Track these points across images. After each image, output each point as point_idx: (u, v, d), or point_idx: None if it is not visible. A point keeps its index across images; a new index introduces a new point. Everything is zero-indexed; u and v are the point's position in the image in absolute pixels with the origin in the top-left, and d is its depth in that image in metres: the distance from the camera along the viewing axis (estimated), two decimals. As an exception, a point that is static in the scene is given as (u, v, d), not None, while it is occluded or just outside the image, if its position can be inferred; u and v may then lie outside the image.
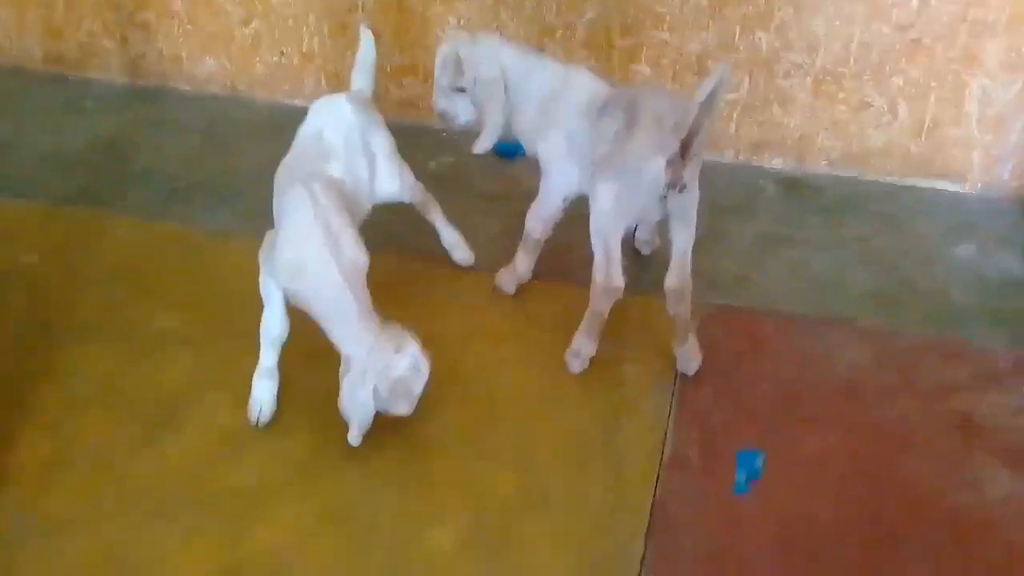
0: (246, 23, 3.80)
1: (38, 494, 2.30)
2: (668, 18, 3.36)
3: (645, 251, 3.05)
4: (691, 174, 2.34)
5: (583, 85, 2.60)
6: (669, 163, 2.28)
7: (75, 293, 2.90)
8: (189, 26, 3.88)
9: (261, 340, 2.45)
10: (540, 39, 3.51)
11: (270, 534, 2.22)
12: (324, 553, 2.18)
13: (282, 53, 3.83)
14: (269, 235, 2.43)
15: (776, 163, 3.57)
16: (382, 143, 2.62)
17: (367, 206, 2.57)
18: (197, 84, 4.00)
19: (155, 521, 2.25)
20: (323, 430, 2.44)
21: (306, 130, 2.56)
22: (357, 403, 2.23)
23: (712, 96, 2.18)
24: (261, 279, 2.41)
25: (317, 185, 2.34)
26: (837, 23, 3.25)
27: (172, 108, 3.92)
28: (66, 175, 3.49)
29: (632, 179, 2.37)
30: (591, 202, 2.50)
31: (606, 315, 2.55)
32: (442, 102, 2.72)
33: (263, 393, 2.47)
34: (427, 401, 2.39)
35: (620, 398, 2.59)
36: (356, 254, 2.30)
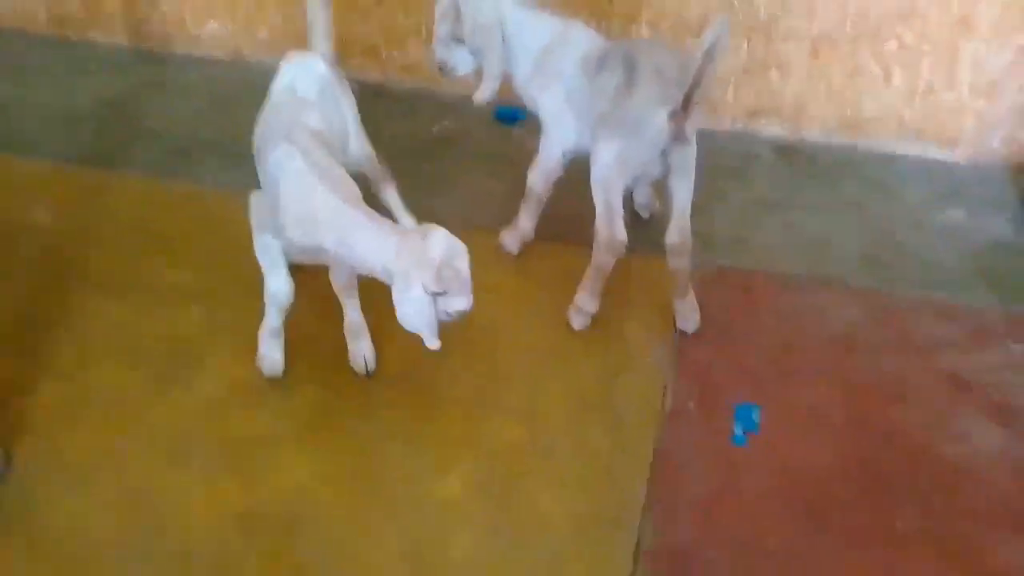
0: (250, -14, 3.83)
1: (57, 440, 2.37)
2: (670, -20, 3.41)
3: (644, 215, 3.11)
4: (692, 126, 2.40)
5: (579, 39, 2.64)
6: (671, 115, 2.35)
7: (87, 248, 2.96)
8: (192, -12, 3.91)
9: (267, 304, 2.44)
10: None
11: (284, 482, 2.31)
12: (337, 500, 2.27)
13: (284, 18, 3.87)
14: (256, 198, 2.39)
15: (772, 130, 3.63)
16: (351, 105, 2.60)
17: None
18: (201, 48, 4.02)
19: (172, 467, 2.33)
20: (334, 384, 2.53)
21: (279, 85, 2.48)
22: (414, 308, 2.08)
23: (713, 48, 2.23)
24: (258, 244, 2.37)
25: (302, 136, 2.30)
26: (834, -11, 3.31)
27: (176, 71, 3.95)
28: (72, 134, 3.52)
29: (634, 132, 2.43)
30: (592, 157, 2.55)
31: (609, 271, 2.62)
32: (441, 52, 2.74)
33: (273, 351, 2.51)
34: (433, 358, 2.45)
35: (621, 354, 2.67)
36: (351, 187, 2.29)
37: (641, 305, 2.81)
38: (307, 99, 2.43)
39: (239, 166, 3.31)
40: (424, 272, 2.04)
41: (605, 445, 2.41)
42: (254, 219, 2.38)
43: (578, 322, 2.70)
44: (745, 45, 3.49)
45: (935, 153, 3.52)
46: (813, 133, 3.60)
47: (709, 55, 2.24)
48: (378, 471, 2.35)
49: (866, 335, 2.76)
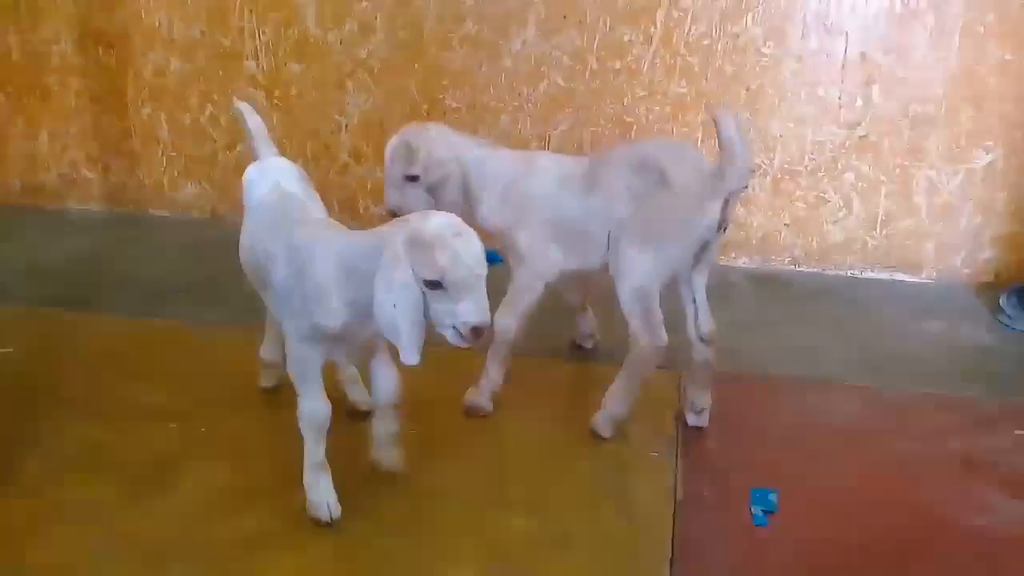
0: (230, 147, 3.96)
1: (24, 551, 2.14)
2: (635, 127, 3.62)
3: (587, 345, 3.04)
4: (731, 213, 2.38)
5: (548, 164, 2.56)
6: (723, 206, 2.32)
7: (55, 377, 2.83)
8: (173, 153, 4.02)
9: (306, 432, 2.18)
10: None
11: (273, 581, 2.09)
12: (333, 596, 2.05)
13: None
14: (287, 311, 2.11)
15: (743, 261, 3.74)
16: (322, 207, 2.41)
17: None
18: (177, 209, 4.09)
19: (148, 570, 2.10)
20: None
21: (261, 189, 2.30)
22: (395, 297, 1.75)
23: (739, 127, 2.24)
24: (296, 356, 2.12)
25: (317, 219, 2.20)
26: (791, 124, 3.54)
27: (151, 230, 3.99)
28: (43, 283, 3.48)
29: (682, 231, 2.35)
30: (619, 270, 2.43)
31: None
32: (394, 196, 2.57)
33: (325, 493, 2.22)
34: (430, 457, 2.37)
35: (625, 449, 2.56)
36: None
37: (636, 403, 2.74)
38: (298, 195, 2.29)
39: (215, 305, 3.29)
40: (416, 252, 1.73)
41: (622, 532, 2.26)
42: (291, 329, 2.12)
43: (608, 430, 2.56)
44: (711, 182, 3.66)
45: (902, 276, 3.64)
46: (781, 264, 3.71)
47: (740, 135, 2.23)
48: (378, 564, 2.14)
49: (871, 425, 2.71)
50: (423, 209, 2.32)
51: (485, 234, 2.37)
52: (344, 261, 1.96)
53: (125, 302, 3.35)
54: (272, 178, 2.30)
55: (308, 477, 2.23)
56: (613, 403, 2.56)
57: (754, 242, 3.71)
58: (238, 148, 3.94)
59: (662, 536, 2.24)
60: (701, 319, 2.55)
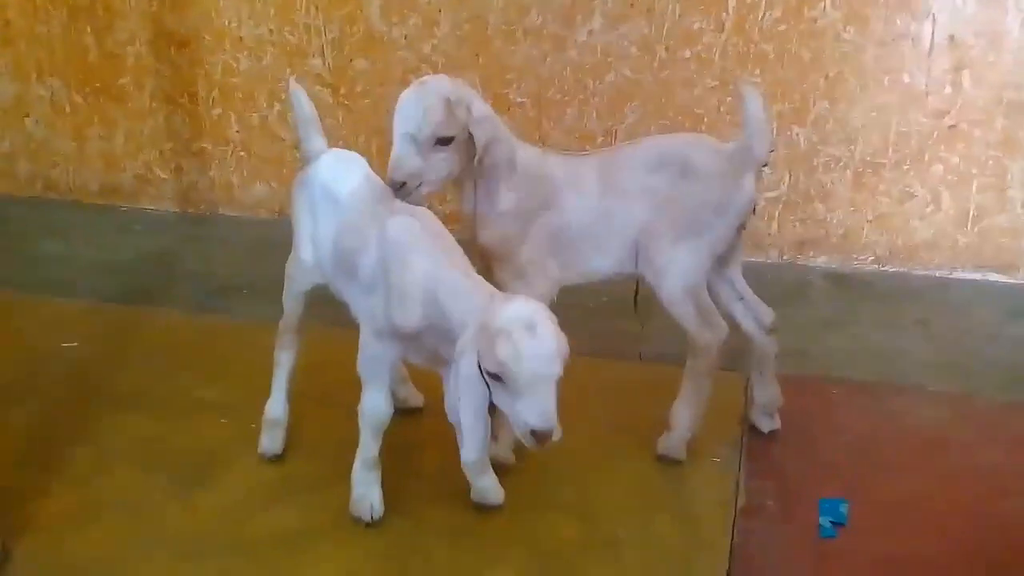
0: (298, 146, 3.95)
1: (63, 542, 2.14)
2: (706, 119, 3.47)
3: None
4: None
5: (554, 164, 2.31)
6: (757, 176, 2.26)
7: (113, 371, 2.85)
8: (243, 153, 4.05)
9: (365, 427, 2.14)
10: (582, 146, 3.61)
11: (314, 577, 2.03)
12: (372, 596, 1.98)
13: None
14: (367, 308, 2.07)
15: (821, 260, 3.55)
16: None
17: None
18: (245, 209, 4.11)
19: (186, 563, 2.07)
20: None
21: (350, 182, 2.20)
22: (462, 387, 1.77)
23: (760, 102, 2.20)
24: (368, 354, 2.09)
25: (416, 211, 2.09)
26: (873, 114, 3.34)
27: (219, 228, 4.03)
28: (111, 279, 3.53)
29: (719, 216, 2.25)
30: (662, 272, 2.26)
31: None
32: (412, 162, 2.14)
33: (371, 489, 2.17)
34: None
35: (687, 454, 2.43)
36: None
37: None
38: (386, 189, 2.17)
39: (274, 303, 3.27)
40: (481, 341, 1.69)
41: (676, 539, 2.13)
42: (369, 323, 2.08)
43: (683, 452, 2.38)
44: (787, 177, 3.49)
45: (995, 277, 3.40)
46: (864, 263, 3.51)
47: (764, 110, 2.21)
48: (418, 569, 2.06)
49: (954, 433, 2.51)
50: (442, 175, 2.18)
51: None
52: (427, 292, 1.96)
53: (187, 298, 3.37)
54: (361, 171, 2.24)
55: (358, 473, 2.17)
56: (682, 419, 2.37)
57: (834, 240, 3.52)
58: (304, 146, 3.94)
59: (720, 547, 2.11)
60: (758, 310, 2.42)
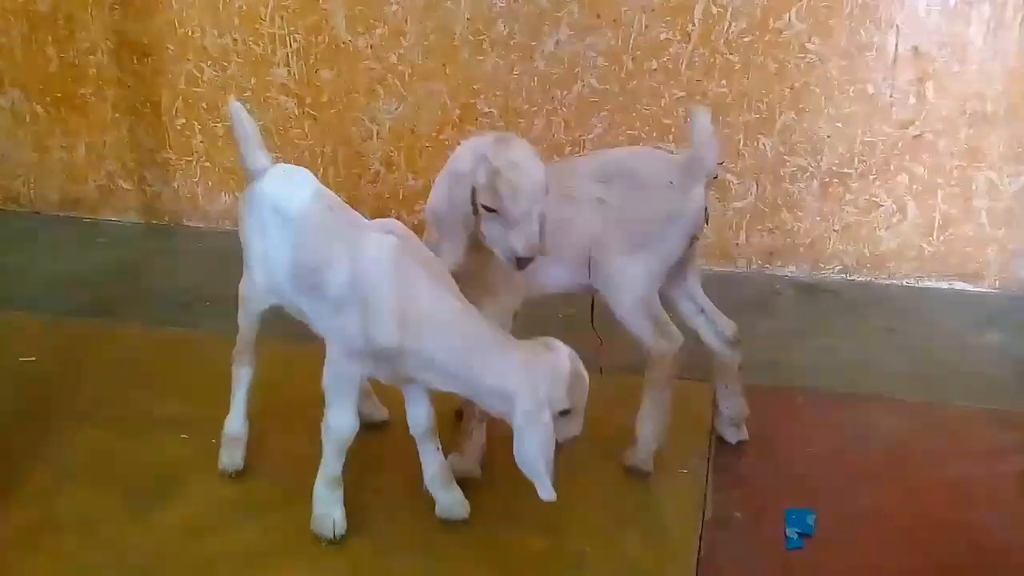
0: (262, 156, 3.91)
1: (22, 558, 2.09)
2: (673, 129, 3.46)
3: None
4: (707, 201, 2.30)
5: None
6: (707, 185, 2.26)
7: (72, 386, 2.79)
8: (207, 163, 4.00)
9: (329, 446, 2.10)
10: (550, 156, 3.58)
11: (273, 600, 1.99)
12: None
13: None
14: (336, 320, 2.03)
15: (789, 270, 3.55)
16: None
17: None
18: (209, 220, 4.05)
19: (145, 584, 2.02)
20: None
21: (302, 195, 2.15)
22: (540, 439, 1.85)
23: (713, 127, 2.24)
24: (336, 371, 2.06)
25: (389, 227, 2.05)
26: (839, 124, 3.35)
27: (183, 240, 3.96)
28: (72, 293, 3.46)
29: (669, 227, 2.25)
30: (615, 285, 2.27)
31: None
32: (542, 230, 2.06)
33: (334, 507, 2.12)
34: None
35: (654, 465, 2.41)
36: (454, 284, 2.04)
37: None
38: (339, 202, 2.17)
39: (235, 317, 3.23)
40: (556, 391, 1.85)
41: (643, 554, 2.11)
42: (338, 341, 2.05)
43: (650, 463, 2.36)
44: (754, 187, 3.50)
45: (961, 285, 3.42)
46: (832, 272, 3.52)
47: (711, 126, 2.24)
48: (384, 583, 2.03)
49: (921, 443, 2.51)
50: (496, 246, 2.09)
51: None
52: (405, 310, 1.95)
53: (149, 312, 3.31)
54: (310, 186, 2.18)
55: (320, 490, 2.13)
56: (647, 431, 2.35)
57: (801, 249, 3.52)
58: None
59: (686, 560, 2.09)
60: (719, 322, 2.41)
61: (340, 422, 2.08)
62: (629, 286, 2.26)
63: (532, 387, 1.85)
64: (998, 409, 2.66)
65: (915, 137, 3.31)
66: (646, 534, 2.17)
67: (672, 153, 2.34)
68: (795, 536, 2.15)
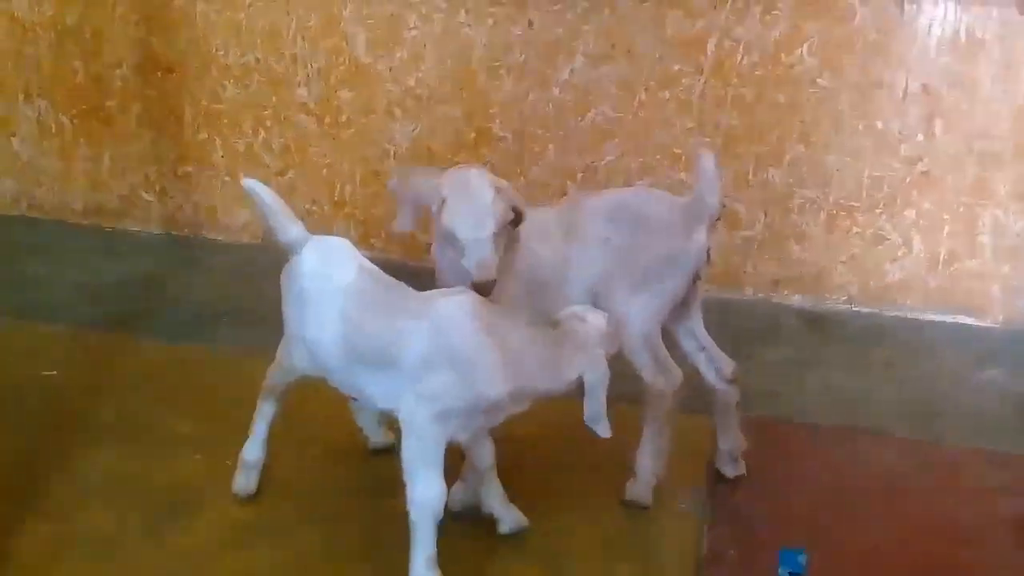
0: (282, 173, 4.00)
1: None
2: (684, 158, 3.52)
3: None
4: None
5: (527, 215, 2.31)
6: (709, 228, 2.32)
7: (92, 401, 2.86)
8: (227, 177, 4.08)
9: (422, 522, 2.04)
10: (562, 181, 3.67)
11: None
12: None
13: (313, 201, 4.00)
14: (427, 400, 2.03)
15: (795, 299, 3.60)
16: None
17: None
18: (230, 234, 4.14)
19: (159, 607, 2.10)
20: (334, 523, 2.35)
21: (348, 273, 2.15)
22: (603, 389, 2.08)
23: (718, 170, 2.30)
24: (423, 437, 2.03)
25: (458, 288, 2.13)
26: (847, 158, 3.40)
27: (204, 253, 4.05)
28: (94, 304, 3.54)
29: (671, 267, 2.32)
30: (617, 320, 2.25)
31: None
32: (494, 257, 2.15)
33: None
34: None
35: (653, 499, 2.47)
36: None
37: (669, 451, 2.64)
38: (383, 274, 2.19)
39: (256, 331, 3.30)
40: (608, 346, 2.09)
41: (638, 589, 2.17)
42: (423, 410, 2.03)
43: (649, 496, 2.42)
44: (763, 217, 3.55)
45: (965, 319, 3.46)
46: (837, 302, 3.57)
47: (716, 169, 2.29)
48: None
49: (916, 482, 2.57)
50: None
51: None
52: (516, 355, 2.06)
53: (169, 324, 3.40)
54: (352, 261, 2.18)
55: (419, 573, 2.05)
56: (646, 465, 2.42)
57: (807, 279, 3.57)
58: (289, 174, 3.98)
59: (680, 598, 2.15)
60: (719, 361, 2.47)
61: (429, 493, 2.02)
62: (631, 323, 2.32)
63: (595, 360, 2.06)
64: (995, 450, 2.71)
65: (923, 173, 3.35)
66: (642, 568, 2.23)
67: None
68: (787, 576, 2.21)
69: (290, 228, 2.25)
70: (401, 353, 2.04)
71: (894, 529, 2.38)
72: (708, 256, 2.35)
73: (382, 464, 2.52)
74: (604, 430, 2.09)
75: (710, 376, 2.47)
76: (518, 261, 2.32)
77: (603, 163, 3.62)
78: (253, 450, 2.43)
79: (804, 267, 3.56)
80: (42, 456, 2.59)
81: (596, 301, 2.33)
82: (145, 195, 4.21)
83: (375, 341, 2.08)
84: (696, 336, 2.46)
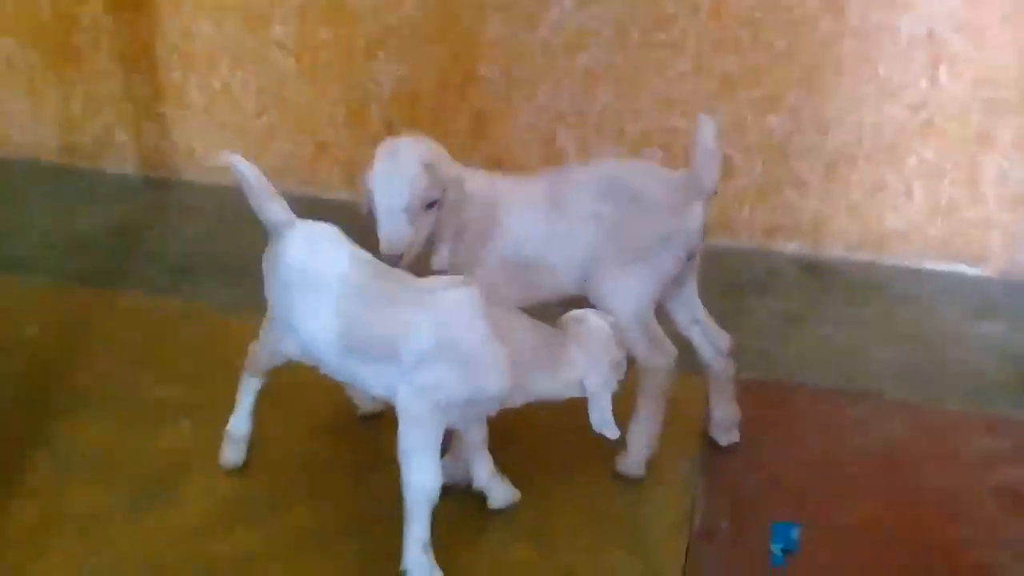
0: (260, 114, 3.85)
1: (26, 559, 2.14)
2: (679, 104, 3.39)
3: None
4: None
5: (505, 188, 2.32)
6: (705, 204, 2.24)
7: (74, 363, 2.80)
8: (204, 117, 3.93)
9: (416, 507, 2.01)
10: (554, 126, 3.54)
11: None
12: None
13: (295, 143, 3.87)
14: (425, 388, 1.98)
15: (792, 247, 3.53)
16: None
17: None
18: (209, 176, 4.01)
19: (143, 586, 2.08)
20: (324, 501, 2.32)
21: (345, 259, 2.07)
22: (609, 397, 2.06)
23: (714, 135, 2.21)
24: (422, 426, 1.99)
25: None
26: (848, 105, 3.28)
27: (183, 196, 3.94)
28: (73, 256, 3.45)
29: (665, 245, 2.24)
30: (610, 299, 2.24)
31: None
32: (407, 231, 2.14)
33: (432, 573, 2.05)
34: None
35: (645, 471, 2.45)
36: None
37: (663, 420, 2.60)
38: (377, 263, 2.10)
39: (239, 283, 3.23)
40: (612, 351, 2.04)
41: (629, 568, 2.16)
42: (423, 400, 1.98)
43: (642, 469, 2.39)
44: (760, 164, 3.44)
45: (964, 269, 3.40)
46: (835, 250, 3.49)
47: (716, 142, 2.21)
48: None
49: (909, 450, 2.53)
50: (429, 234, 2.19)
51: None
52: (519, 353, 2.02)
53: (149, 278, 3.31)
54: (342, 250, 2.09)
55: (414, 558, 2.02)
56: (639, 441, 2.37)
57: (805, 227, 3.49)
58: (266, 116, 3.84)
59: (672, 573, 2.14)
60: (714, 334, 2.41)
61: (425, 479, 1.99)
62: (623, 300, 2.26)
63: (597, 364, 2.02)
64: (988, 411, 2.68)
65: (926, 120, 3.24)
66: (633, 544, 2.21)
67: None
68: (779, 553, 2.19)
69: (275, 210, 2.14)
70: (403, 345, 1.98)
71: (886, 501, 2.35)
72: (703, 233, 2.27)
73: (371, 435, 2.49)
74: (612, 432, 2.06)
75: (705, 350, 2.41)
76: (498, 237, 2.25)
77: (595, 107, 3.49)
78: (239, 423, 2.38)
79: (802, 215, 3.48)
80: (24, 426, 2.53)
81: (586, 280, 2.26)
82: (121, 135, 4.06)
83: (376, 334, 2.01)
84: (691, 309, 2.39)
